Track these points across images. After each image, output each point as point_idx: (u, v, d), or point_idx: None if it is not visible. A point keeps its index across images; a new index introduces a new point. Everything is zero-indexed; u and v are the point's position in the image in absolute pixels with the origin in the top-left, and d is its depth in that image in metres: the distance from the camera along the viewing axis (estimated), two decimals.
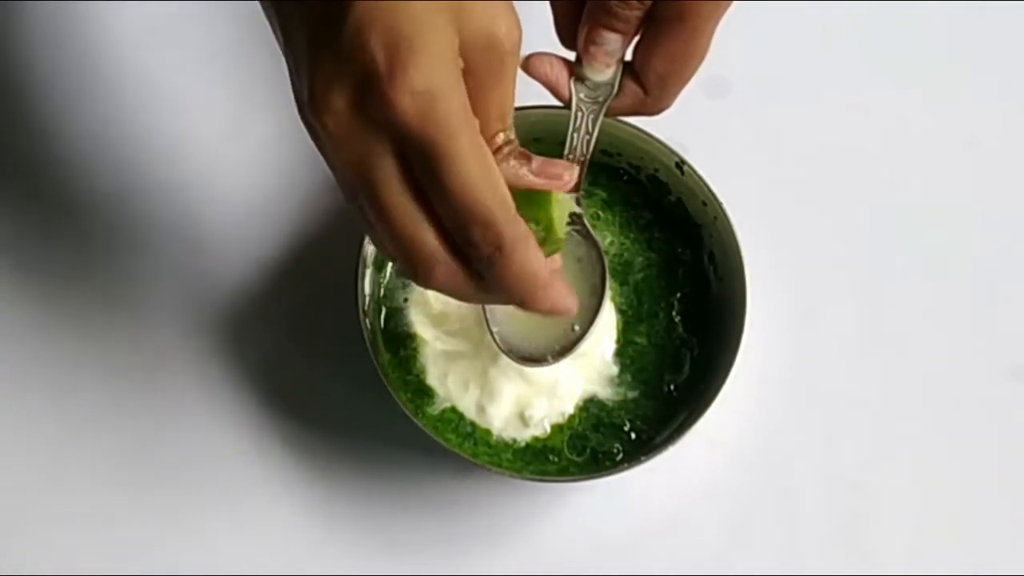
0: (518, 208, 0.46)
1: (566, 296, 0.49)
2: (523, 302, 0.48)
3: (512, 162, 0.49)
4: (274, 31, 0.49)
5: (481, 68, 0.46)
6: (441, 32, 0.44)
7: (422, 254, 0.47)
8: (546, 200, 0.49)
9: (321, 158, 0.48)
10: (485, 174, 0.45)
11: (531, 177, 0.49)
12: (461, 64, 0.45)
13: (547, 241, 0.49)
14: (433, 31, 0.44)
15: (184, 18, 0.70)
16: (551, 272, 0.48)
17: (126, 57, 0.70)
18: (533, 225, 0.48)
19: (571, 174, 0.50)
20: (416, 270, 0.48)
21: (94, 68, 0.70)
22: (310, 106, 0.46)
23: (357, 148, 0.45)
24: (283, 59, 0.71)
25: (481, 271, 0.47)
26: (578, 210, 0.52)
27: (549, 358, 0.56)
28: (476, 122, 0.45)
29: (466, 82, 0.46)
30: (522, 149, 0.49)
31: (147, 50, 0.70)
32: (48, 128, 0.69)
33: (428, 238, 0.46)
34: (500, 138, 0.48)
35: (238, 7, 0.70)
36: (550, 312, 0.49)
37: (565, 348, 0.56)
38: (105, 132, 0.69)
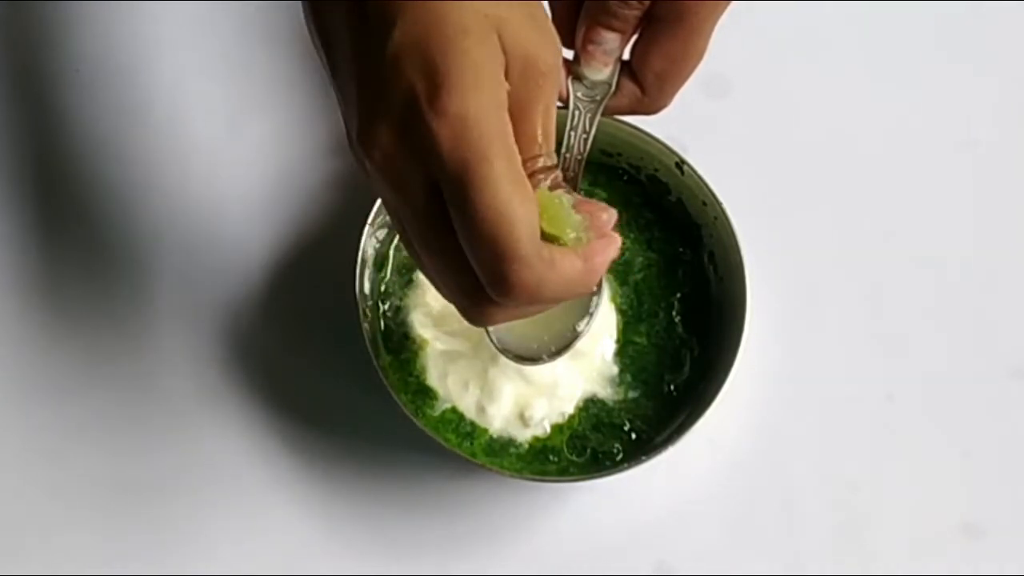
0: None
1: (607, 256, 0.47)
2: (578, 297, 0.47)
3: (545, 185, 0.47)
4: (324, 68, 0.48)
5: (518, 89, 0.45)
6: (478, 53, 0.44)
7: (470, 292, 0.46)
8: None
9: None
10: (518, 203, 0.43)
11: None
12: (507, 86, 0.45)
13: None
14: (469, 53, 0.43)
15: (184, 18, 0.70)
16: (587, 259, 0.46)
17: (126, 57, 0.70)
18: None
19: (610, 216, 0.48)
20: (467, 310, 0.47)
21: (93, 69, 0.70)
22: (358, 141, 0.45)
23: (400, 179, 0.45)
24: (283, 59, 0.72)
25: (521, 306, 0.46)
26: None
27: (545, 357, 0.56)
28: (516, 152, 0.44)
29: (512, 100, 0.45)
30: (563, 183, 0.48)
31: (147, 50, 0.70)
32: (47, 128, 0.69)
33: (471, 277, 0.45)
34: (540, 162, 0.47)
35: (238, 7, 0.70)
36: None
37: (561, 347, 0.56)
38: (105, 132, 0.69)
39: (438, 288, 0.48)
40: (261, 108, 0.69)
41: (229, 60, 0.70)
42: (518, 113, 0.45)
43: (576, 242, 0.47)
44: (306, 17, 0.48)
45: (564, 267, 0.45)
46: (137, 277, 0.67)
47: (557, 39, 0.46)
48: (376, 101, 0.44)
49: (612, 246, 0.47)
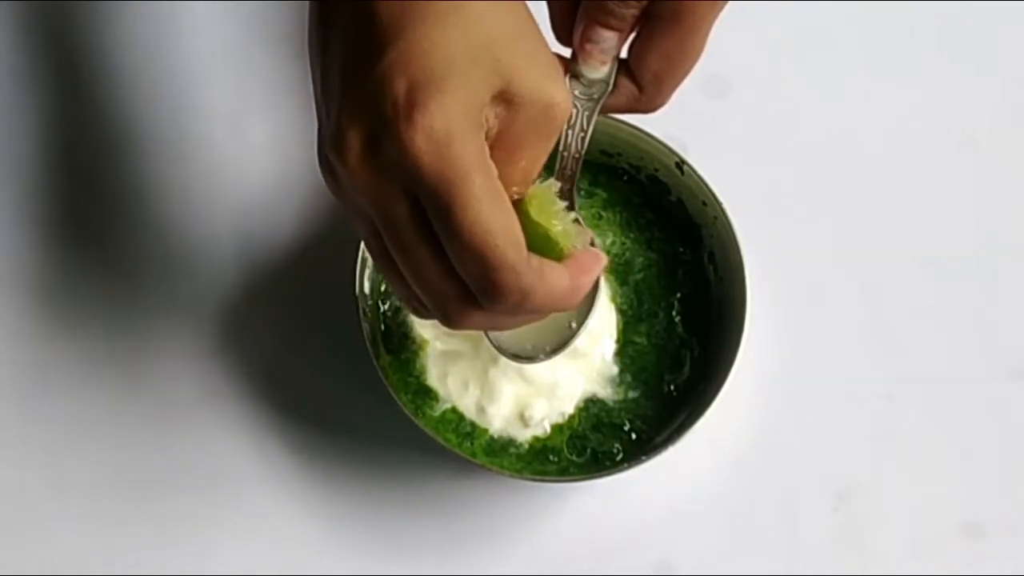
0: None
1: (593, 273, 0.49)
2: (561, 311, 0.49)
3: None
4: (312, 65, 0.49)
5: (529, 128, 0.46)
6: (473, 82, 0.45)
7: (451, 298, 0.47)
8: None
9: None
10: (501, 217, 0.45)
11: None
12: (489, 122, 0.46)
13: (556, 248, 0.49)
14: (464, 78, 0.44)
15: (184, 18, 0.70)
16: (574, 277, 0.48)
17: (126, 57, 0.70)
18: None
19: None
20: (446, 315, 0.48)
21: (93, 68, 0.70)
22: (331, 141, 0.46)
23: (374, 188, 0.45)
24: (283, 59, 0.72)
25: (507, 313, 0.47)
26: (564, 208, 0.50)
27: (541, 356, 0.56)
28: (493, 167, 0.45)
29: (505, 138, 0.46)
30: None
31: (147, 50, 0.70)
32: (47, 128, 0.69)
33: (455, 281, 0.46)
34: (514, 192, 0.48)
35: (238, 7, 0.70)
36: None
37: (557, 345, 0.56)
38: (104, 132, 0.69)
39: (407, 296, 0.49)
40: (261, 108, 0.69)
41: (229, 60, 0.70)
42: (518, 149, 0.47)
43: (563, 235, 0.48)
44: (310, 18, 0.49)
45: (552, 278, 0.47)
46: (137, 277, 0.67)
47: (567, 92, 0.48)
48: (356, 106, 0.45)
49: (598, 265, 0.50)
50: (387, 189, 0.45)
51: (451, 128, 0.44)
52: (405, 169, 0.44)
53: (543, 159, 0.48)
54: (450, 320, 0.49)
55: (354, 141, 0.45)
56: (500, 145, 0.47)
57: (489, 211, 0.44)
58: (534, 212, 0.48)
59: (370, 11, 0.46)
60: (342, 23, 0.47)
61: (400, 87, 0.44)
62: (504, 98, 0.46)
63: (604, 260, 0.50)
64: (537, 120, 0.46)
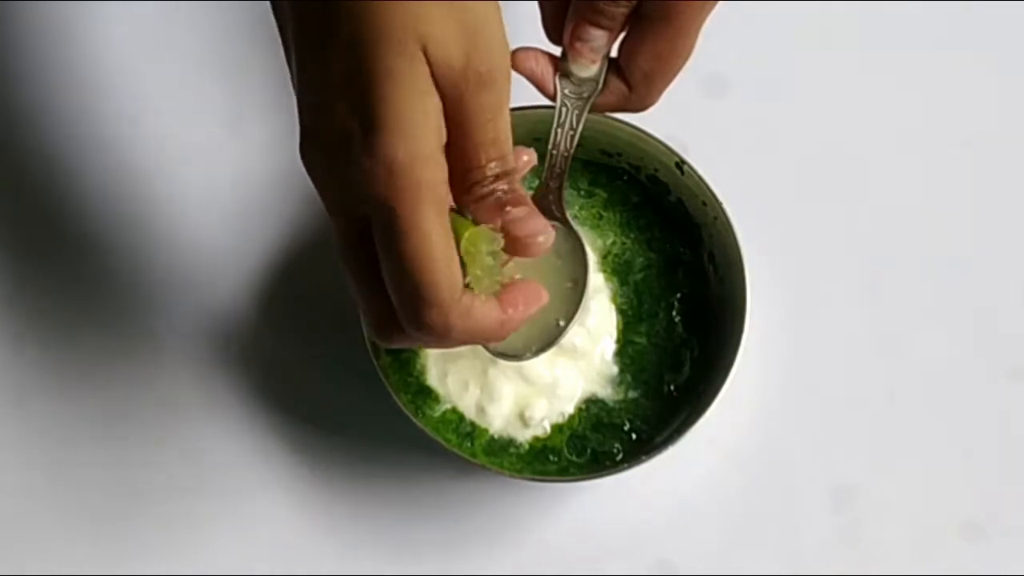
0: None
1: (528, 309, 0.50)
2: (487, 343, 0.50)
3: (493, 198, 0.47)
4: (288, 65, 0.49)
5: (462, 99, 0.45)
6: (404, 97, 0.44)
7: (380, 317, 0.47)
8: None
9: None
10: (441, 257, 0.45)
11: (504, 223, 0.48)
12: (443, 138, 0.45)
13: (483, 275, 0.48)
14: (393, 100, 0.44)
15: (182, 18, 0.70)
16: (503, 310, 0.48)
17: (125, 58, 0.70)
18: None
19: (547, 238, 0.49)
20: (374, 331, 0.48)
21: (92, 69, 0.70)
22: (300, 148, 0.47)
23: (331, 198, 0.46)
24: (283, 60, 0.72)
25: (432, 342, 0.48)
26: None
27: (528, 354, 0.56)
28: (447, 200, 0.45)
29: (453, 111, 0.45)
30: (516, 189, 0.48)
31: (145, 51, 0.70)
32: (45, 130, 0.69)
33: (388, 302, 0.47)
34: (492, 169, 0.47)
35: (237, 7, 0.70)
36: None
37: (546, 343, 0.56)
38: (103, 134, 0.69)
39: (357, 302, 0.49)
40: (261, 108, 0.69)
41: (229, 60, 0.70)
42: (464, 124, 0.46)
43: (475, 280, 0.47)
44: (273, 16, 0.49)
45: (478, 317, 0.47)
46: (137, 278, 0.67)
47: (498, 41, 0.46)
48: (315, 125, 0.46)
49: (534, 302, 0.50)
50: (339, 202, 0.46)
51: (406, 156, 0.44)
52: (360, 192, 0.45)
53: (495, 128, 0.46)
54: (377, 337, 0.49)
55: (315, 153, 0.46)
56: (453, 128, 0.46)
57: (430, 246, 0.44)
58: (462, 249, 0.47)
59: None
60: (292, 23, 0.47)
61: (348, 112, 0.44)
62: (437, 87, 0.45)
63: (543, 298, 0.50)
64: (466, 86, 0.45)
